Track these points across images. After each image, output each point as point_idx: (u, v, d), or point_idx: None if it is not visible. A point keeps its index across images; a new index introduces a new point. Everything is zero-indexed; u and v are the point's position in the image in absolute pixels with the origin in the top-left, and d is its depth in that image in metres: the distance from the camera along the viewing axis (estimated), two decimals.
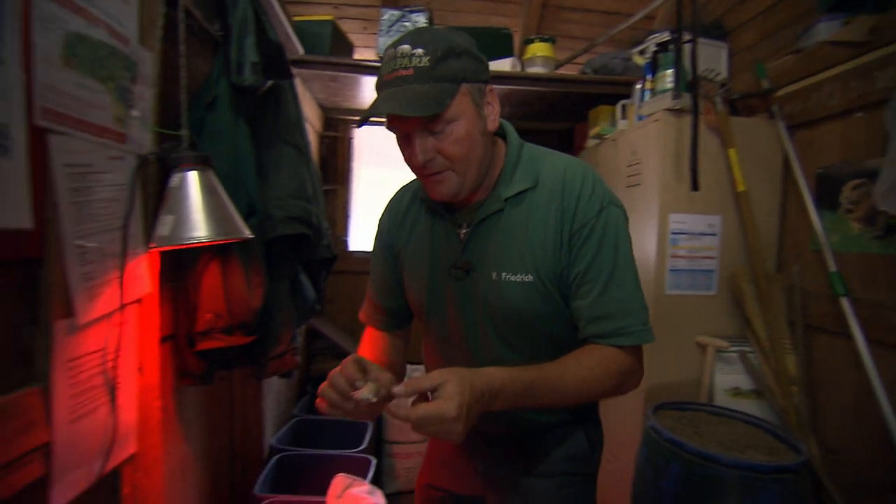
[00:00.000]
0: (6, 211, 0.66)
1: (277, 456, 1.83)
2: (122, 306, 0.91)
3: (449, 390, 0.64)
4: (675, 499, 1.28)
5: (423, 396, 0.67)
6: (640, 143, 1.84)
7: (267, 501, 1.58)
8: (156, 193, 1.03)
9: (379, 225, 0.99)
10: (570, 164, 0.83)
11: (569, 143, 2.90)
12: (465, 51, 0.75)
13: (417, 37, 0.75)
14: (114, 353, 0.90)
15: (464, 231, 0.83)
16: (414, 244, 0.91)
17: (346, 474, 1.50)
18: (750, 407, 1.63)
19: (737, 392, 1.66)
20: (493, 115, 0.79)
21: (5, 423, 0.68)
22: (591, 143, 2.45)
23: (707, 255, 1.70)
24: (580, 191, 0.79)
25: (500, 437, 0.93)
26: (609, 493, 2.01)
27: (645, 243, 1.82)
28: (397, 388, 0.68)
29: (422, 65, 0.72)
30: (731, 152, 1.63)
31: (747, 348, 1.67)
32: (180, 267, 1.28)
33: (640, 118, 1.85)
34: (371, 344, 0.98)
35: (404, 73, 0.73)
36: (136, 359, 0.99)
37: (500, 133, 0.87)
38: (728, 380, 1.68)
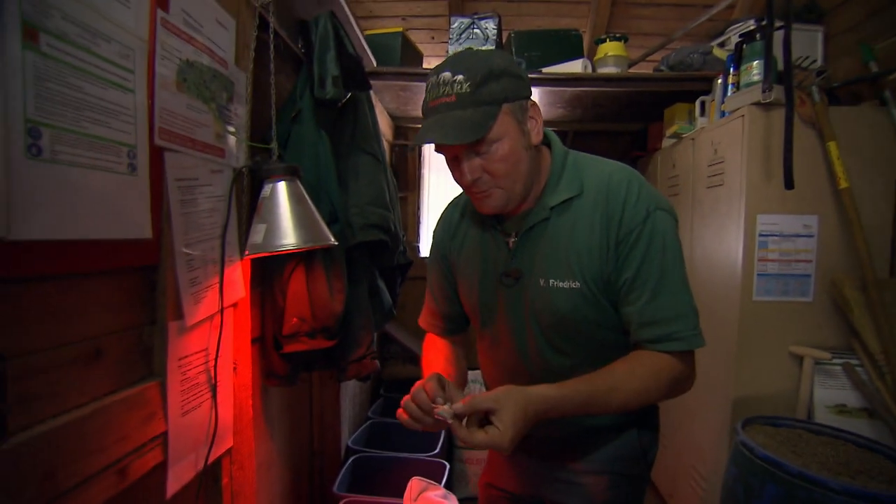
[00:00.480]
0: (133, 224, 0.73)
1: (354, 457, 1.89)
2: (222, 310, 0.99)
3: (505, 421, 0.69)
4: None
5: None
6: (724, 141, 1.76)
7: (345, 500, 1.63)
8: (249, 204, 1.11)
9: (434, 237, 1.04)
10: (616, 170, 0.83)
11: (642, 144, 2.82)
12: (504, 71, 0.77)
13: (457, 62, 0.77)
14: (214, 352, 0.97)
15: (512, 240, 0.86)
16: (466, 254, 0.96)
17: (421, 478, 1.52)
18: (860, 427, 1.49)
19: (842, 409, 1.53)
20: (537, 129, 0.82)
21: (133, 412, 0.76)
22: (666, 143, 2.36)
23: (802, 259, 1.58)
24: (625, 197, 0.79)
25: (554, 439, 0.95)
26: None
27: (729, 246, 1.72)
28: (458, 406, 0.73)
29: (463, 91, 0.75)
30: (831, 146, 1.52)
31: (854, 361, 1.53)
32: (267, 273, 1.36)
33: (724, 114, 1.77)
34: (434, 350, 1.01)
35: (447, 99, 0.77)
36: (232, 359, 1.05)
37: (546, 142, 0.89)
38: (831, 395, 1.55)
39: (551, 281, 0.83)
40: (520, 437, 0.70)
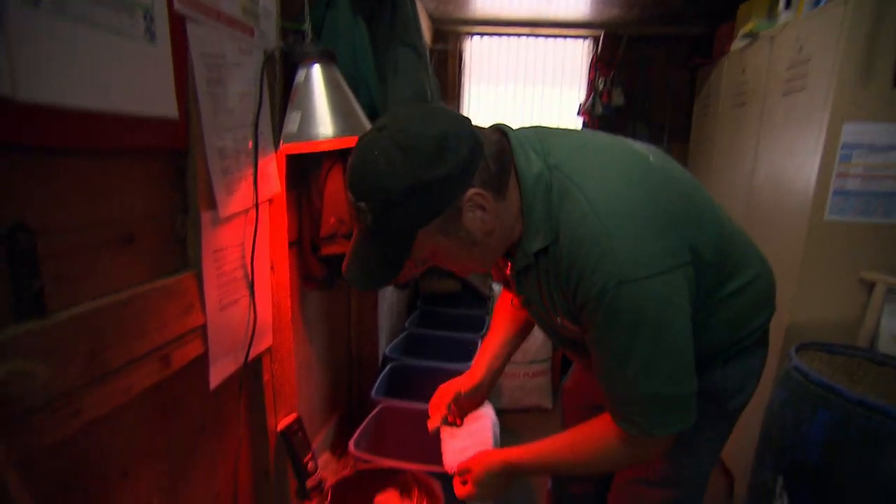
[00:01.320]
0: (155, 99, 0.68)
1: (391, 364, 1.90)
2: (256, 204, 0.95)
3: (472, 480, 0.91)
4: (822, 447, 1.17)
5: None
6: (813, 37, 1.55)
7: (382, 405, 1.65)
8: (282, 93, 1.04)
9: None
10: (588, 219, 0.68)
11: (706, 49, 2.56)
12: (407, 194, 0.65)
13: (355, 181, 0.68)
14: (250, 248, 0.95)
15: (511, 274, 0.83)
16: None
17: None
18: None
19: None
20: (487, 219, 0.71)
21: (171, 301, 0.75)
22: (736, 45, 2.13)
23: (892, 175, 1.41)
24: (582, 265, 0.68)
25: None
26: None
27: (802, 160, 1.56)
28: (448, 461, 1.00)
29: (367, 223, 0.69)
30: None
31: None
32: (304, 175, 1.31)
33: (817, 4, 1.53)
34: (493, 330, 1.09)
35: (361, 226, 0.71)
36: (269, 257, 1.03)
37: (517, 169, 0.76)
38: None
39: (556, 317, 0.79)
40: (487, 490, 0.89)
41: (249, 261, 0.95)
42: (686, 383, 0.70)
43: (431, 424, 1.02)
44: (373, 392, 1.73)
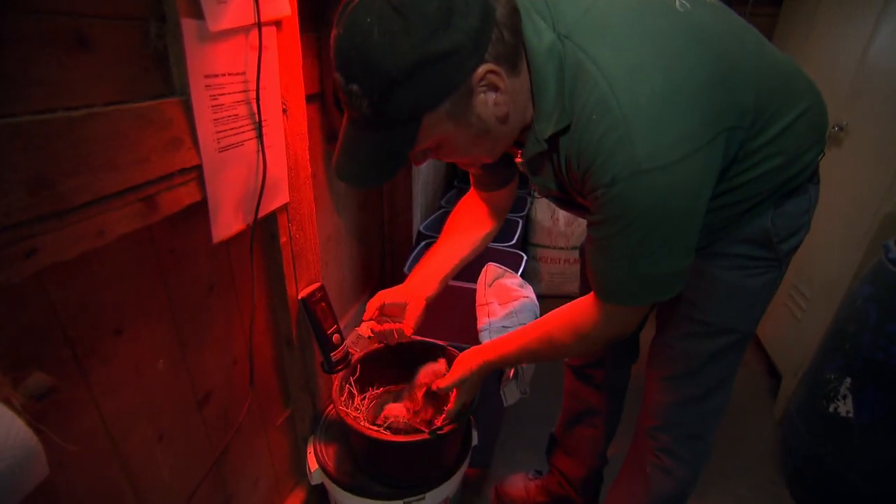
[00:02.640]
0: None
1: (425, 241, 1.88)
2: (259, 24, 0.78)
3: (452, 377, 0.97)
4: None
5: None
6: None
7: None
8: None
9: None
10: (604, 103, 0.61)
11: None
12: (410, 73, 0.56)
13: (346, 61, 0.59)
14: (254, 81, 0.80)
15: (522, 163, 0.79)
16: None
17: (497, 264, 1.43)
18: None
19: None
20: (501, 101, 0.64)
21: (149, 131, 0.62)
22: None
23: None
24: (594, 153, 0.63)
25: None
26: (788, 329, 1.80)
27: None
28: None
29: (362, 109, 0.60)
30: None
31: None
32: (325, 13, 1.15)
33: None
34: (443, 235, 1.09)
35: (353, 114, 0.63)
36: (279, 96, 0.89)
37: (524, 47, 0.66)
38: None
39: (574, 195, 0.76)
40: (468, 388, 0.97)
41: (255, 97, 0.80)
42: (681, 260, 0.69)
43: (360, 329, 1.03)
44: (406, 268, 1.70)
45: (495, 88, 0.63)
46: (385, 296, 1.03)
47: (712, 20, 0.68)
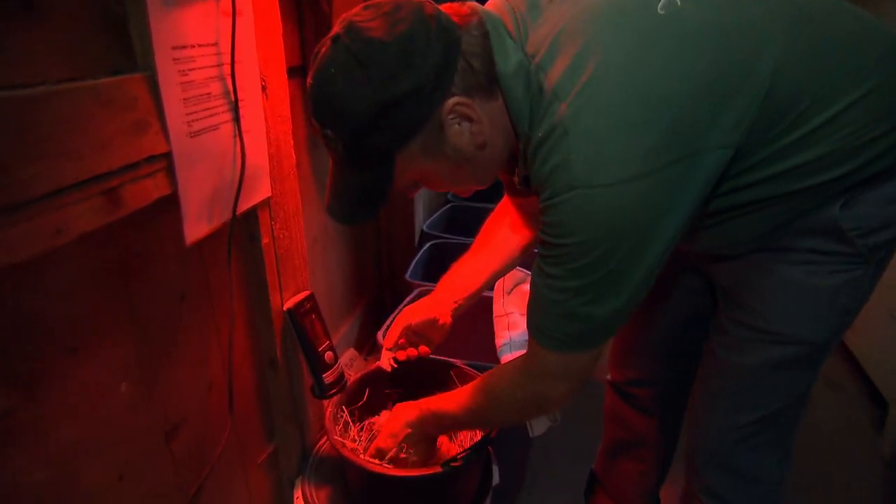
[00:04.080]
0: None
1: (430, 243, 1.91)
2: None
3: (384, 431, 1.06)
4: None
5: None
6: None
7: (420, 290, 1.64)
8: None
9: None
10: (554, 119, 0.68)
11: None
12: (375, 116, 0.69)
13: (318, 111, 0.73)
14: (229, 53, 0.81)
15: (519, 181, 0.85)
16: None
17: (520, 268, 1.44)
18: None
19: None
20: (476, 130, 0.74)
21: (109, 112, 0.63)
22: None
23: None
24: (538, 172, 0.72)
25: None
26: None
27: None
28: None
29: (338, 151, 0.74)
30: None
31: None
32: None
33: None
34: (478, 243, 1.16)
35: (332, 155, 0.78)
36: (258, 71, 0.90)
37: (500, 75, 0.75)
38: None
39: None
40: (409, 442, 1.03)
41: (229, 71, 0.81)
42: (629, 300, 0.73)
43: (382, 363, 1.12)
44: (408, 274, 1.76)
45: (468, 119, 0.73)
46: (410, 314, 1.10)
47: (719, 14, 0.70)
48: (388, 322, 1.43)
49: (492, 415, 0.94)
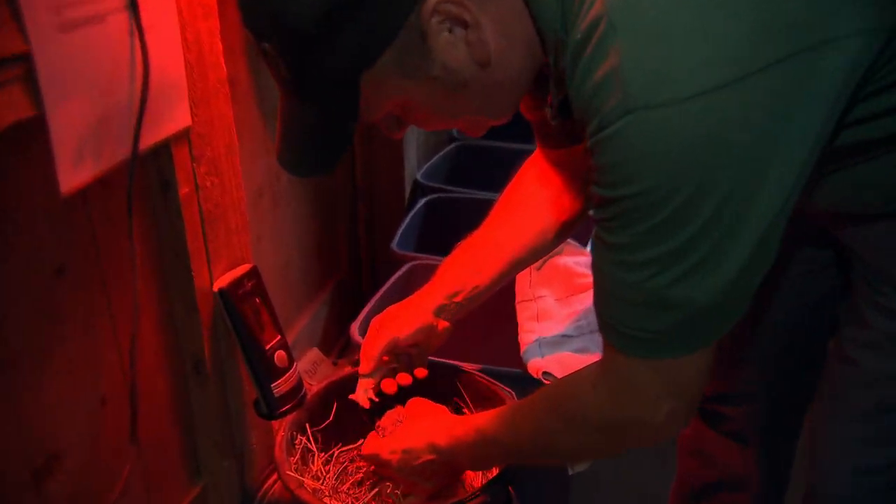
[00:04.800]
0: None
1: (427, 198, 1.93)
2: None
3: (383, 450, 1.07)
4: None
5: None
6: None
7: (413, 263, 1.67)
8: None
9: None
10: (597, 13, 0.66)
11: None
12: (326, 20, 0.68)
13: (250, 17, 0.74)
14: None
15: (552, 113, 0.87)
16: None
17: None
18: None
19: None
20: (476, 39, 0.73)
21: None
22: None
23: None
24: (578, 88, 0.70)
25: None
26: None
27: None
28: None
29: (281, 74, 0.76)
30: None
31: None
32: None
33: None
34: (495, 217, 1.18)
35: (277, 80, 0.79)
36: None
37: None
38: None
39: None
40: (406, 475, 1.05)
41: None
42: (742, 273, 0.71)
43: (357, 395, 1.12)
44: (395, 242, 1.77)
45: (460, 23, 0.70)
46: (393, 326, 1.11)
47: None
48: (363, 314, 1.45)
49: (567, 445, 0.93)
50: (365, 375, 1.11)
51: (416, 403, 1.09)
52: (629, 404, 0.81)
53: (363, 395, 1.10)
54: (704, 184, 0.64)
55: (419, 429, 1.04)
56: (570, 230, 1.14)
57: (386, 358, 1.12)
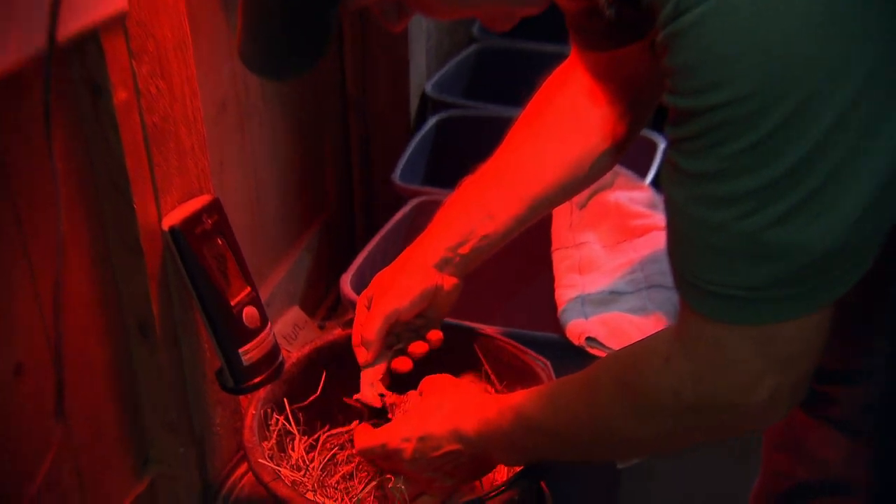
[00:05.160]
0: None
1: (439, 116, 1.93)
2: None
3: (393, 438, 1.06)
4: None
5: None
6: None
7: (420, 198, 1.68)
8: None
9: None
10: None
11: None
12: None
13: None
14: None
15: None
16: None
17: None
18: None
19: None
20: None
21: None
22: None
23: None
24: None
25: None
26: None
27: None
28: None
29: None
30: None
31: None
32: None
33: None
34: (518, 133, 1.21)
35: None
36: None
37: None
38: None
39: None
40: (416, 468, 1.04)
41: None
42: (865, 214, 0.69)
43: (363, 394, 1.12)
44: (397, 172, 1.78)
45: None
46: (390, 297, 1.10)
47: None
48: (357, 264, 1.45)
49: (632, 434, 0.92)
50: (367, 366, 1.11)
51: (433, 381, 1.08)
52: (716, 384, 0.79)
53: (371, 391, 1.10)
54: (820, 90, 0.63)
55: (440, 411, 1.03)
56: (611, 161, 1.13)
57: (392, 340, 1.13)
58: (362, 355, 1.11)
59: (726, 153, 0.67)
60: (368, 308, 1.12)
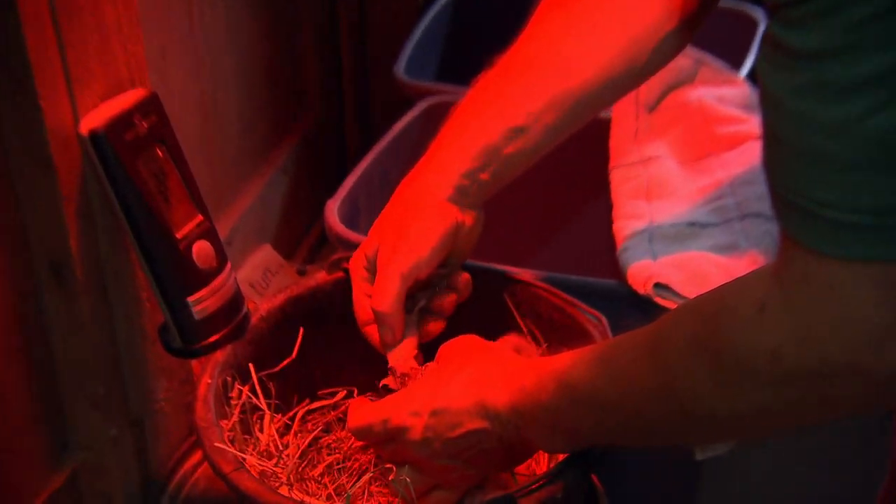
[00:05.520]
0: None
1: None
2: None
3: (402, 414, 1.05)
4: None
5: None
6: None
7: (432, 102, 1.72)
8: None
9: None
10: None
11: None
12: None
13: None
14: None
15: None
16: None
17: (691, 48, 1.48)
18: None
19: None
20: None
21: None
22: None
23: None
24: None
25: None
26: None
27: None
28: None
29: None
30: None
31: None
32: None
33: None
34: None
35: None
36: None
37: None
38: None
39: None
40: (431, 455, 1.02)
41: None
42: None
43: (395, 360, 1.14)
44: (401, 65, 1.84)
45: None
46: (406, 246, 1.10)
47: None
48: (347, 188, 1.48)
49: (715, 411, 0.90)
50: (393, 345, 1.11)
51: (453, 346, 1.07)
52: (828, 342, 0.73)
53: (405, 363, 1.11)
54: None
55: (460, 377, 1.01)
56: (681, 42, 1.14)
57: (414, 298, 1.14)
58: (386, 335, 1.10)
59: (852, 21, 0.61)
60: (368, 270, 1.12)
